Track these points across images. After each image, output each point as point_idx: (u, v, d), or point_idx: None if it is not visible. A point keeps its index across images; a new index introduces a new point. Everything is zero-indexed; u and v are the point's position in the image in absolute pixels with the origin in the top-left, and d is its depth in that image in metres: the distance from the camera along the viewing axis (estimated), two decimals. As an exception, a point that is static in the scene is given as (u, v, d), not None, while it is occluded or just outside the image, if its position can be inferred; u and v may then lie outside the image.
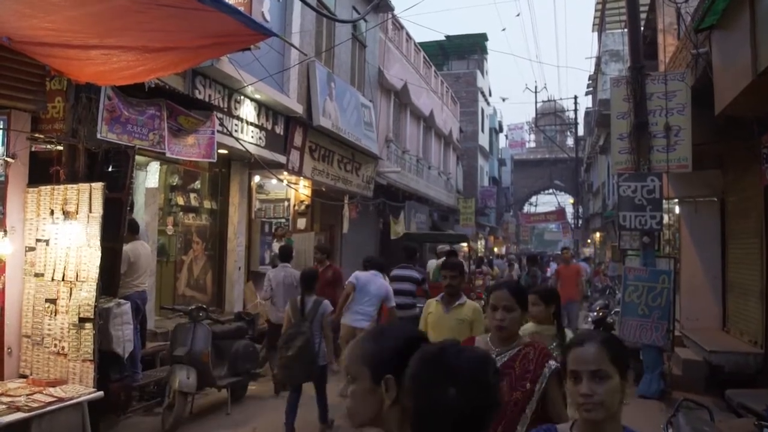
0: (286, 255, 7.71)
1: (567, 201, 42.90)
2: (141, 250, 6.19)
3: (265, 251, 10.32)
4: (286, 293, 7.02)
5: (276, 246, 10.64)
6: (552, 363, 2.37)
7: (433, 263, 11.80)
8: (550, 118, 38.58)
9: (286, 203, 11.37)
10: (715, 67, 6.35)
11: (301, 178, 11.03)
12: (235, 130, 8.58)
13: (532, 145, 49.70)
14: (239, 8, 5.71)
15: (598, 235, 30.46)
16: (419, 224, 18.18)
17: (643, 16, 10.79)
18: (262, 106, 9.44)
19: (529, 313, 3.14)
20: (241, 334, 6.83)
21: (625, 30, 8.57)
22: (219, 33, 3.89)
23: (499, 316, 2.46)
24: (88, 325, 4.59)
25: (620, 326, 7.47)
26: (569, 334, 3.44)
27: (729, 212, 8.45)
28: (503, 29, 25.82)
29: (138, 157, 6.38)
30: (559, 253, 32.21)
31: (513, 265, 19.05)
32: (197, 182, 9.34)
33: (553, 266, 16.80)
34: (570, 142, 41.54)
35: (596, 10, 23.74)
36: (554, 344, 3.22)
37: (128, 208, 6.22)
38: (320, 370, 5.43)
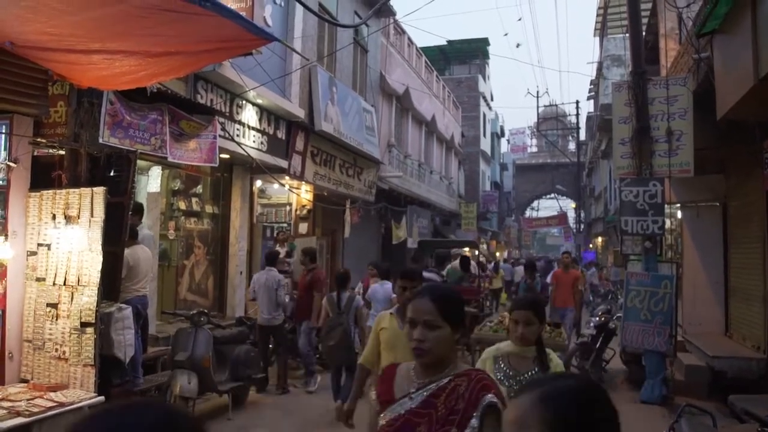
0: (271, 259, 7.91)
1: (569, 205, 42.86)
2: (140, 254, 6.18)
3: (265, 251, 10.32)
4: (267, 295, 7.39)
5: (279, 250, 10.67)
6: (488, 397, 1.77)
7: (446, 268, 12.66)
8: (551, 122, 38.64)
9: (287, 208, 11.38)
10: (717, 72, 6.35)
11: (303, 182, 11.03)
12: (237, 135, 8.60)
13: (534, 149, 49.73)
14: (241, 13, 5.73)
15: (600, 239, 30.44)
16: (421, 229, 18.19)
17: (644, 20, 10.81)
18: (263, 111, 9.45)
19: (518, 333, 2.66)
20: (243, 338, 6.83)
21: (627, 35, 8.57)
22: (221, 38, 3.90)
23: (417, 334, 1.82)
24: (90, 330, 4.58)
25: (622, 331, 7.45)
26: (555, 359, 2.79)
27: (731, 217, 8.43)
28: (505, 34, 25.86)
29: (140, 162, 6.39)
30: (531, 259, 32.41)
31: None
32: (199, 186, 9.34)
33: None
34: (572, 146, 41.55)
35: (598, 15, 23.77)
36: (534, 370, 2.65)
37: (132, 213, 6.26)
38: (354, 356, 5.86)
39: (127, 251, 5.82)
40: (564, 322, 9.03)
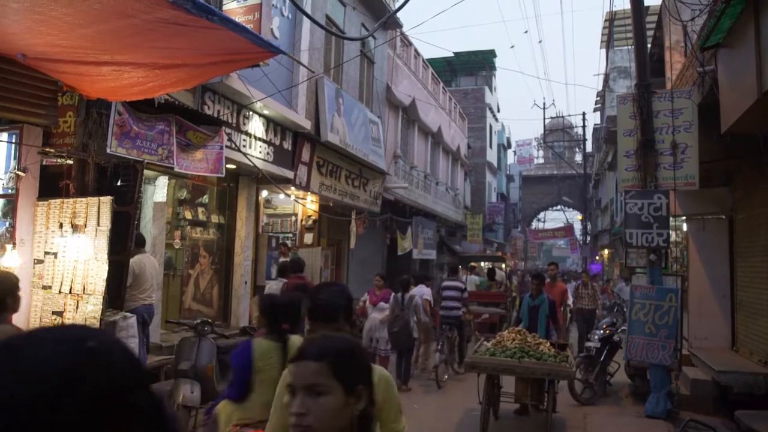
0: (283, 270, 8.05)
1: (575, 217, 42.72)
2: (146, 261, 6.22)
3: (271, 266, 10.35)
4: None
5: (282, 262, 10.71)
6: None
7: (475, 278, 15.00)
8: (558, 134, 38.64)
9: (293, 218, 11.43)
10: (721, 85, 6.36)
11: (309, 193, 11.08)
12: (244, 146, 8.66)
13: (541, 161, 49.67)
14: (249, 26, 5.81)
15: (606, 251, 30.29)
16: (426, 240, 18.18)
17: (650, 33, 10.84)
18: (270, 122, 9.53)
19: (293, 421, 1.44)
20: (246, 348, 6.83)
21: (633, 47, 8.61)
22: (228, 50, 3.96)
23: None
24: (94, 338, 4.61)
25: (627, 345, 7.41)
26: None
27: (737, 230, 8.39)
28: (512, 46, 25.98)
29: (146, 171, 6.45)
30: (572, 269, 31.13)
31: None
32: (205, 196, 9.41)
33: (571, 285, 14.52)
34: (578, 158, 41.50)
35: (604, 27, 23.86)
36: None
37: (136, 246, 6.35)
38: (413, 340, 8.40)
39: (132, 260, 5.88)
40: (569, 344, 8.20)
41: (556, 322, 7.38)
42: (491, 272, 14.96)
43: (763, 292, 7.14)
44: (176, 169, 6.40)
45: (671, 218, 7.82)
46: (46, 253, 4.97)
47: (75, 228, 4.84)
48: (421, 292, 9.05)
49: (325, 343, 1.41)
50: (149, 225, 7.46)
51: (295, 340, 2.92)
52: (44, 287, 4.93)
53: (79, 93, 5.01)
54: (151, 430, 0.67)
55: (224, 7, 7.77)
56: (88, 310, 4.66)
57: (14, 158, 4.96)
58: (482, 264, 19.65)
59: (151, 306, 6.36)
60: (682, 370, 7.65)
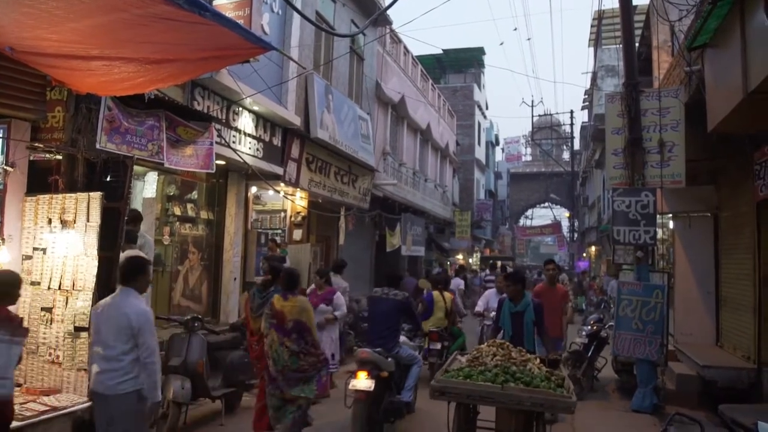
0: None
1: (563, 214, 43.00)
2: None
3: (260, 262, 10.33)
4: None
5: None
6: None
7: (460, 282, 14.71)
8: (546, 132, 38.84)
9: (282, 214, 11.41)
10: (708, 85, 6.45)
11: (298, 189, 11.07)
12: (233, 142, 8.63)
13: (529, 158, 49.91)
14: (239, 22, 5.78)
15: (593, 248, 30.55)
16: (415, 237, 18.22)
17: (637, 32, 10.94)
18: (260, 118, 9.50)
19: None
20: (236, 344, 6.82)
21: (621, 46, 8.68)
22: (219, 46, 3.94)
23: None
24: (84, 335, 4.59)
25: (614, 340, 7.50)
26: None
27: (722, 227, 8.52)
28: (501, 43, 26.05)
29: (136, 167, 6.41)
30: (559, 266, 31.13)
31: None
32: (194, 192, 9.36)
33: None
34: (566, 156, 41.77)
35: (592, 26, 24.01)
36: None
37: (129, 220, 6.30)
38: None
39: (122, 255, 5.83)
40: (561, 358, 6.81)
41: (544, 333, 5.91)
42: (503, 270, 15.40)
43: (747, 289, 7.26)
44: (166, 165, 6.37)
45: (658, 216, 7.92)
46: (35, 248, 4.93)
47: (64, 224, 4.80)
48: (457, 283, 9.51)
49: None
50: (141, 222, 7.40)
51: None
52: (33, 283, 4.89)
53: (68, 88, 4.96)
54: None
55: (214, 3, 7.72)
56: (78, 306, 4.64)
57: (2, 153, 4.91)
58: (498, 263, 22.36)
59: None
60: (668, 365, 7.76)
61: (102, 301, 3.99)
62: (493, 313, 7.74)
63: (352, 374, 5.53)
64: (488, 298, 9.05)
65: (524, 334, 5.68)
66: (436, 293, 8.91)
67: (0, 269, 4.58)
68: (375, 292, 6.47)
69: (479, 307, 9.20)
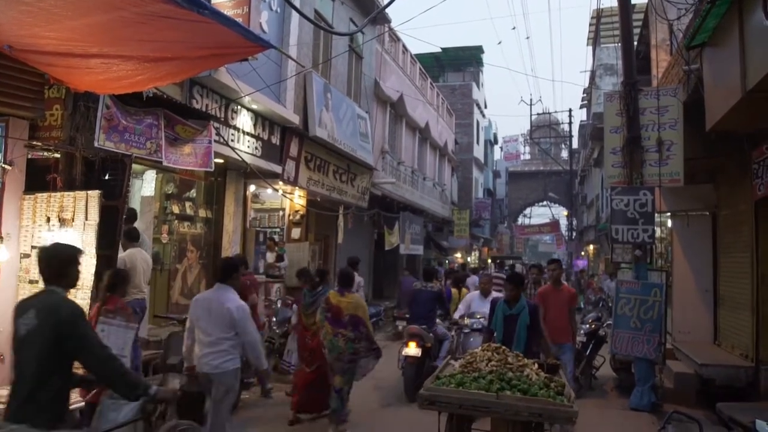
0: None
1: (561, 213, 43.05)
2: (138, 256, 6.21)
3: (259, 260, 10.33)
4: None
5: (269, 256, 10.69)
6: None
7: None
8: (544, 130, 38.84)
9: (281, 213, 11.40)
10: (706, 84, 6.45)
11: (297, 188, 11.06)
12: (232, 140, 8.62)
13: (527, 157, 49.93)
14: (237, 20, 5.78)
15: (591, 247, 30.58)
16: (414, 235, 18.24)
17: (636, 31, 10.94)
18: (258, 116, 9.49)
19: None
20: (235, 343, 6.83)
21: (619, 44, 8.68)
22: (218, 44, 3.94)
23: None
24: (82, 333, 4.58)
25: (612, 339, 7.51)
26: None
27: (721, 226, 8.53)
28: (499, 42, 26.06)
29: (134, 166, 6.40)
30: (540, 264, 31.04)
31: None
32: (192, 191, 9.35)
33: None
34: (564, 154, 41.79)
35: (590, 25, 24.00)
36: None
37: (126, 217, 6.31)
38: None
39: (125, 254, 5.87)
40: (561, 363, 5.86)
41: (540, 337, 5.60)
42: (512, 269, 16.53)
43: (745, 288, 7.27)
44: (165, 164, 6.36)
45: (656, 214, 7.94)
46: (33, 247, 4.92)
47: (62, 222, 4.80)
48: (473, 280, 9.90)
49: None
50: (137, 220, 7.40)
51: None
52: (31, 281, 4.88)
53: (66, 86, 4.95)
54: None
55: (213, 1, 7.71)
56: (76, 305, 4.63)
57: (0, 151, 4.90)
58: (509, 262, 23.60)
59: (143, 300, 6.33)
60: (665, 363, 7.78)
61: (201, 295, 4.90)
62: (473, 320, 7.95)
63: (404, 344, 7.47)
64: (470, 302, 8.30)
65: (516, 339, 5.38)
66: (454, 290, 10.44)
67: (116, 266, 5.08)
68: (416, 285, 8.34)
69: (459, 311, 8.34)
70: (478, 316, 7.86)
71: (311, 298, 6.49)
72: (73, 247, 3.04)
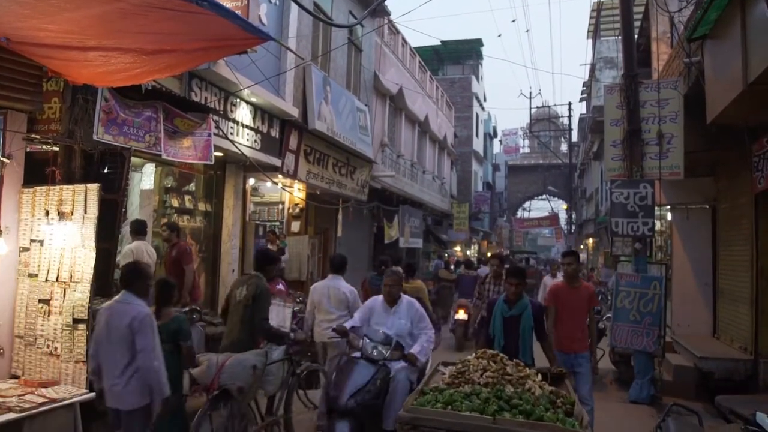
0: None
1: (560, 206, 43.06)
2: (144, 249, 6.26)
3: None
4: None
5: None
6: None
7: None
8: (544, 123, 38.82)
9: (280, 206, 11.39)
10: (707, 76, 6.43)
11: (296, 181, 11.04)
12: (231, 133, 8.60)
13: (526, 150, 49.92)
14: (236, 12, 5.74)
15: (591, 240, 30.59)
16: (413, 228, 18.23)
17: (637, 24, 10.90)
18: (257, 109, 9.45)
19: None
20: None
21: (620, 37, 8.65)
22: (217, 36, 3.91)
23: None
24: (82, 326, 4.58)
25: (612, 332, 7.53)
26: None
27: (720, 219, 8.53)
28: (499, 35, 25.97)
29: (133, 159, 6.38)
30: (555, 259, 29.03)
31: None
32: (192, 184, 9.33)
33: (548, 281, 11.11)
34: (564, 148, 41.75)
35: (591, 18, 23.92)
36: None
37: (134, 231, 6.39)
38: None
39: (132, 246, 5.92)
40: (576, 376, 5.34)
41: (544, 341, 5.02)
42: (527, 263, 16.79)
43: (744, 281, 7.28)
44: (164, 157, 6.34)
45: (656, 207, 7.93)
46: (32, 240, 4.91)
47: (61, 215, 4.78)
48: (484, 271, 10.37)
49: None
50: (136, 213, 7.39)
51: None
52: (30, 275, 4.87)
53: (64, 78, 4.92)
54: None
55: (211, -7, 7.66)
56: (76, 298, 4.62)
57: (-2, 144, 4.88)
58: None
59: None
60: (665, 356, 7.80)
61: (318, 284, 6.32)
62: (368, 341, 5.04)
63: (454, 311, 11.40)
64: (371, 309, 5.13)
65: (520, 345, 4.76)
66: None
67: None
68: (462, 273, 12.35)
69: (354, 321, 5.27)
70: (381, 332, 4.95)
71: (378, 281, 7.16)
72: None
